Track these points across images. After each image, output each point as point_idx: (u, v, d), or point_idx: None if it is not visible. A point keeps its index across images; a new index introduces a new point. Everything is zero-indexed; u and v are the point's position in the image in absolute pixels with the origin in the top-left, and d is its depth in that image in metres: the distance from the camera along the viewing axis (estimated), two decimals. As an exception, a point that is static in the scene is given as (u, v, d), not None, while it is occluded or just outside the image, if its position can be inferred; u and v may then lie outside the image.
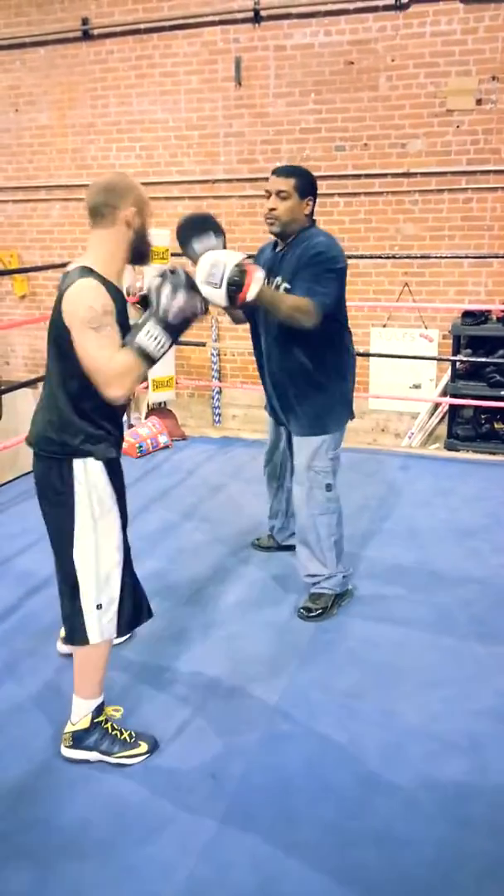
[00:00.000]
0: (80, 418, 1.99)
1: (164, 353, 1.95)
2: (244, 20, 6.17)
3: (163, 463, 4.72)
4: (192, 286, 1.96)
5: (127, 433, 4.95)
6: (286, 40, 6.10)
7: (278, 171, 2.73)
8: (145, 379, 5.31)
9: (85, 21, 6.64)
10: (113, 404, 1.98)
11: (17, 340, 7.75)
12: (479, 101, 5.74)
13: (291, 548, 3.19)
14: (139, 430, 4.95)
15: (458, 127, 5.84)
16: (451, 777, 2.12)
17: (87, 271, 1.93)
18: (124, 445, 4.74)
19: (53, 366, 2.02)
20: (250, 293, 2.33)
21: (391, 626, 2.87)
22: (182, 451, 4.94)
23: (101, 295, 1.90)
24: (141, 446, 4.82)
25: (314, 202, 2.77)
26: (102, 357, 1.88)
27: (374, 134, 6.06)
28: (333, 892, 1.78)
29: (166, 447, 4.96)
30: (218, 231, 2.54)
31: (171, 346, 1.97)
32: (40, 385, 2.29)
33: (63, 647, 2.61)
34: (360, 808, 2.02)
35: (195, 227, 2.54)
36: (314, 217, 2.80)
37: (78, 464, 2.02)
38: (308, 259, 2.65)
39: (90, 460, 2.03)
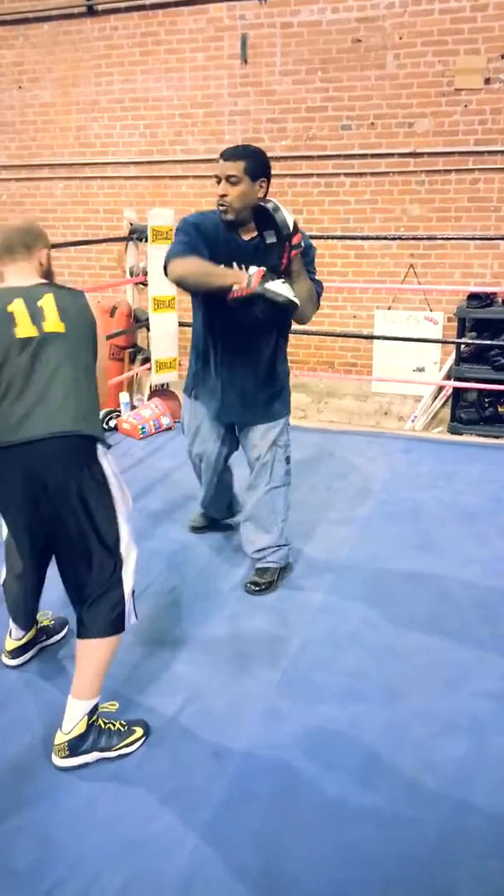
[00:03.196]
0: (97, 411, 2.14)
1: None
2: (250, -4, 6.09)
3: (165, 444, 4.71)
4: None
5: (130, 414, 4.94)
6: (293, 17, 6.02)
7: (226, 154, 2.52)
8: (147, 360, 5.29)
9: (89, -4, 6.56)
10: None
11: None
12: (487, 81, 5.67)
13: (227, 526, 3.33)
14: (142, 411, 4.94)
15: (465, 106, 5.78)
16: (453, 757, 2.13)
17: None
18: (127, 427, 4.78)
19: (86, 359, 2.09)
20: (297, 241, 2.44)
21: (393, 608, 2.87)
22: (185, 432, 4.93)
23: None
24: (143, 428, 4.81)
25: (268, 184, 2.58)
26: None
27: (381, 113, 6.00)
28: (334, 871, 1.79)
29: (169, 429, 4.95)
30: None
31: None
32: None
33: (11, 661, 2.51)
34: (361, 788, 2.02)
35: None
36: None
37: (102, 451, 2.07)
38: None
39: (107, 450, 2.11)
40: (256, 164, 2.52)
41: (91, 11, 6.62)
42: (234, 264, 2.59)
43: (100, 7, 6.57)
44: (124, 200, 6.90)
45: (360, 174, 6.17)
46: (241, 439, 3.00)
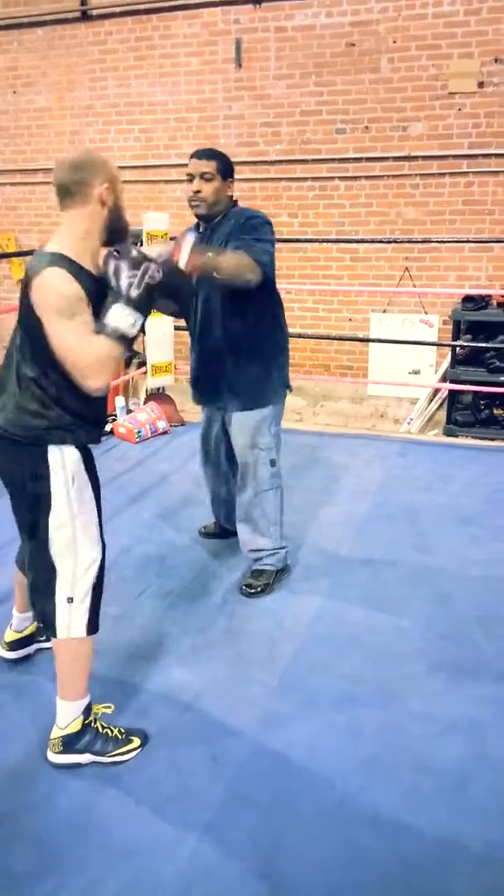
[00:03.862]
0: (56, 405, 1.92)
1: (138, 330, 1.89)
2: (245, 1, 6.11)
3: (162, 448, 4.71)
4: (141, 257, 1.90)
5: (125, 418, 4.94)
6: (287, 21, 6.04)
7: (199, 154, 2.73)
8: (143, 364, 5.29)
9: (83, 1, 6.58)
10: (94, 394, 1.91)
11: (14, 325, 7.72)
12: (481, 84, 5.70)
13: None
14: (138, 415, 4.94)
15: (459, 110, 5.80)
16: (451, 760, 2.13)
17: (57, 258, 1.86)
18: (123, 431, 4.78)
19: (25, 352, 1.93)
20: (182, 254, 2.23)
21: (391, 611, 2.87)
22: (181, 436, 4.93)
23: (69, 282, 1.83)
24: (139, 431, 4.81)
25: (233, 184, 2.80)
26: (80, 346, 1.82)
27: (376, 116, 6.02)
28: (333, 874, 1.79)
29: (165, 433, 4.95)
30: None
31: (144, 321, 1.92)
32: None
33: (7, 654, 2.52)
34: (359, 791, 2.03)
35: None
36: (235, 199, 2.82)
37: (54, 451, 1.95)
38: (242, 223, 2.67)
39: (67, 447, 1.96)
40: (226, 164, 2.75)
41: (85, 16, 6.63)
42: None
43: (94, 12, 6.59)
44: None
45: (355, 178, 6.19)
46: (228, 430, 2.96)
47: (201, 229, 2.82)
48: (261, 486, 2.92)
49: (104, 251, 1.97)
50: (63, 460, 1.96)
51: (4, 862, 1.83)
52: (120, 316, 1.85)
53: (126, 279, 1.87)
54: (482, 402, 5.86)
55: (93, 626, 2.07)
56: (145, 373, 5.22)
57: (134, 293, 1.87)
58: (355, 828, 1.92)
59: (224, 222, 2.75)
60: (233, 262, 2.52)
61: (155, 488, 4.05)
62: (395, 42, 5.81)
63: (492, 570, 3.15)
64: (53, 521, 1.98)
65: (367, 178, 6.15)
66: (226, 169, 2.74)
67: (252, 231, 2.65)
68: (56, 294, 1.82)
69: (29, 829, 1.92)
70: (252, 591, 2.96)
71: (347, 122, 6.11)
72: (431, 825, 1.92)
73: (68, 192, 1.90)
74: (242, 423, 2.87)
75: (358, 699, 2.38)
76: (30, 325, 1.89)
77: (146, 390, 5.36)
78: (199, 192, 2.71)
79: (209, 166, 2.69)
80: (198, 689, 2.43)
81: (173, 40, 6.42)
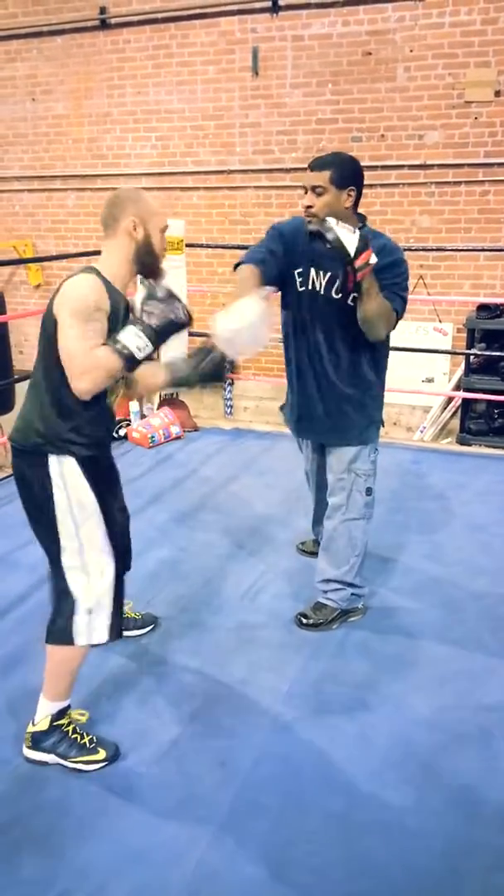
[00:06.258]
0: (58, 413, 1.96)
1: (144, 357, 1.91)
2: (262, 10, 6.14)
3: (175, 453, 4.73)
4: (171, 295, 1.94)
5: (139, 423, 4.96)
6: (304, 30, 6.07)
7: (313, 164, 2.52)
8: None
9: (102, 10, 6.63)
10: (82, 398, 1.91)
11: (31, 330, 7.77)
12: (497, 93, 5.69)
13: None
14: (151, 420, 4.96)
15: (476, 119, 5.80)
16: (461, 769, 2.12)
17: (94, 270, 1.95)
18: (136, 436, 4.80)
19: (38, 363, 2.00)
20: (349, 245, 2.25)
21: (402, 618, 2.86)
22: (194, 442, 4.95)
23: (97, 291, 1.89)
24: (153, 437, 4.83)
25: (358, 193, 2.52)
26: (81, 346, 1.85)
27: (392, 125, 6.03)
28: (341, 883, 1.79)
29: (178, 438, 4.96)
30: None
31: (152, 352, 1.93)
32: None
33: None
34: (368, 799, 2.02)
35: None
36: (360, 211, 2.58)
37: (53, 461, 1.98)
38: (388, 263, 2.44)
39: (67, 459, 1.98)
40: (344, 172, 2.48)
41: (104, 25, 6.69)
42: (312, 269, 2.55)
43: (113, 20, 6.64)
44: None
45: (371, 185, 6.18)
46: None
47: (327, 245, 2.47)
48: (351, 513, 2.71)
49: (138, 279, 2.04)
50: (62, 473, 1.99)
51: (13, 866, 1.83)
52: (132, 336, 1.88)
53: (151, 307, 1.91)
54: (496, 411, 5.84)
55: (115, 631, 2.11)
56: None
57: (156, 323, 1.90)
58: (364, 835, 1.91)
59: None
60: (381, 311, 2.41)
61: (168, 493, 4.06)
62: (411, 51, 5.82)
63: (503, 579, 3.14)
64: (60, 532, 2.02)
65: (382, 186, 6.15)
66: (343, 177, 2.46)
67: (397, 277, 2.47)
68: (80, 296, 1.88)
69: (38, 834, 1.92)
70: (305, 621, 2.79)
71: (363, 130, 6.12)
72: (441, 833, 1.91)
73: (105, 225, 2.02)
74: (342, 452, 2.70)
75: (367, 706, 2.38)
76: (50, 326, 1.93)
77: (160, 395, 5.38)
78: (310, 207, 2.48)
79: (320, 178, 2.45)
80: (207, 694, 2.43)
81: (191, 49, 6.46)
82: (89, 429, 2.00)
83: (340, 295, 2.52)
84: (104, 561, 2.07)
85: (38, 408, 1.99)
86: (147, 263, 2.03)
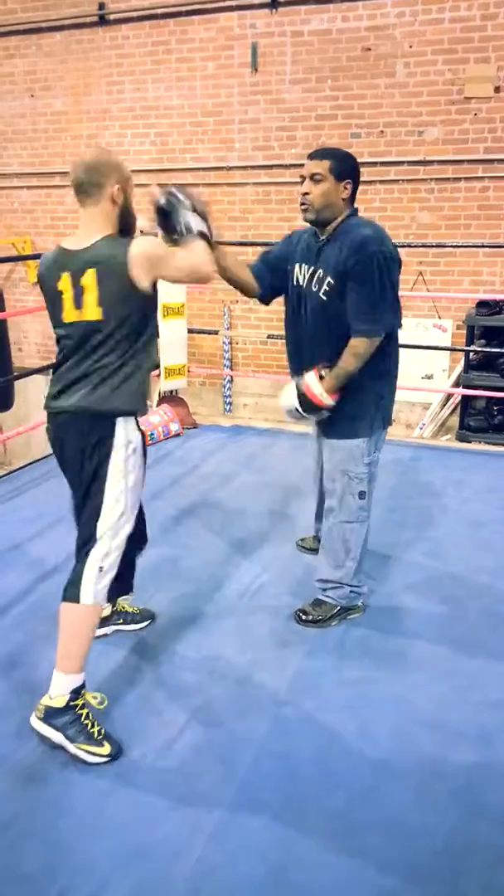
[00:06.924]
0: (134, 379, 2.12)
1: (208, 233, 2.25)
2: (261, 5, 6.13)
3: (174, 451, 4.73)
4: (173, 195, 2.29)
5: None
6: (303, 26, 6.05)
7: (313, 154, 2.55)
8: (157, 366, 5.31)
9: (101, 6, 6.62)
10: (211, 280, 2.24)
11: (30, 327, 7.77)
12: (497, 89, 5.69)
13: None
14: (150, 417, 4.95)
15: (475, 115, 5.79)
16: (462, 766, 2.12)
17: (107, 237, 2.09)
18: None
19: (118, 332, 2.07)
20: (313, 393, 2.56)
21: (401, 616, 2.87)
22: (193, 439, 4.95)
23: (152, 239, 2.15)
24: (152, 434, 4.82)
25: (354, 186, 2.56)
26: (190, 256, 2.12)
27: (391, 121, 6.02)
28: (342, 880, 1.79)
29: (177, 435, 4.96)
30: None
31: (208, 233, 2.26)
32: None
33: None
34: (369, 796, 2.02)
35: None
36: (356, 205, 2.62)
37: (121, 424, 2.12)
38: (361, 269, 2.44)
39: (130, 422, 2.15)
40: (343, 164, 2.53)
41: (103, 21, 6.67)
42: (297, 265, 2.67)
43: (111, 17, 6.63)
44: (135, 208, 6.94)
45: (370, 182, 6.18)
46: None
47: (319, 238, 2.60)
48: (345, 515, 2.71)
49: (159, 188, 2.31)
50: (127, 435, 2.14)
51: (14, 862, 1.84)
52: (190, 218, 2.20)
53: (185, 198, 2.27)
54: (495, 408, 5.84)
55: (110, 595, 2.24)
56: (158, 375, 5.23)
57: (196, 206, 2.26)
58: (365, 834, 1.91)
59: (336, 240, 2.52)
60: (354, 362, 2.52)
61: (167, 490, 4.06)
62: (410, 47, 5.81)
63: (503, 576, 3.14)
64: (109, 494, 2.13)
65: (381, 182, 6.15)
66: (341, 169, 2.50)
67: (370, 287, 2.45)
68: (156, 243, 2.12)
69: (39, 830, 1.92)
70: (304, 617, 2.80)
71: (363, 126, 6.11)
72: (442, 830, 1.92)
73: (84, 192, 2.07)
74: (334, 449, 2.70)
75: (368, 703, 2.38)
76: (127, 296, 2.04)
77: (159, 393, 5.38)
78: (306, 194, 2.52)
79: (320, 166, 2.49)
80: (207, 691, 2.44)
81: (190, 45, 6.45)
82: (145, 390, 2.19)
83: (317, 288, 2.57)
84: (128, 528, 2.20)
85: (114, 381, 2.09)
86: (129, 224, 2.17)
